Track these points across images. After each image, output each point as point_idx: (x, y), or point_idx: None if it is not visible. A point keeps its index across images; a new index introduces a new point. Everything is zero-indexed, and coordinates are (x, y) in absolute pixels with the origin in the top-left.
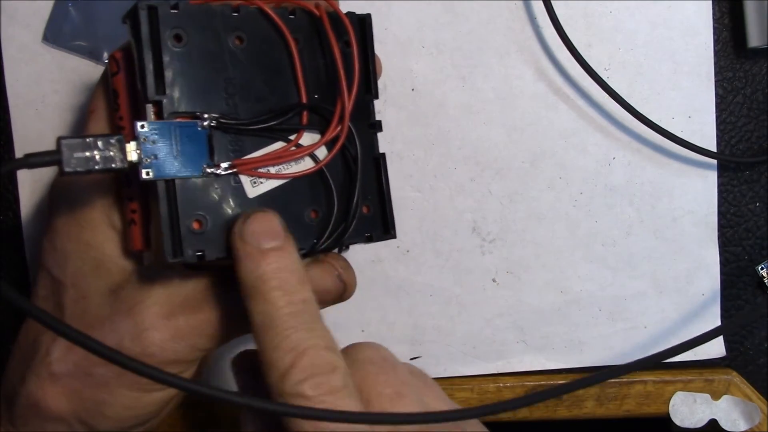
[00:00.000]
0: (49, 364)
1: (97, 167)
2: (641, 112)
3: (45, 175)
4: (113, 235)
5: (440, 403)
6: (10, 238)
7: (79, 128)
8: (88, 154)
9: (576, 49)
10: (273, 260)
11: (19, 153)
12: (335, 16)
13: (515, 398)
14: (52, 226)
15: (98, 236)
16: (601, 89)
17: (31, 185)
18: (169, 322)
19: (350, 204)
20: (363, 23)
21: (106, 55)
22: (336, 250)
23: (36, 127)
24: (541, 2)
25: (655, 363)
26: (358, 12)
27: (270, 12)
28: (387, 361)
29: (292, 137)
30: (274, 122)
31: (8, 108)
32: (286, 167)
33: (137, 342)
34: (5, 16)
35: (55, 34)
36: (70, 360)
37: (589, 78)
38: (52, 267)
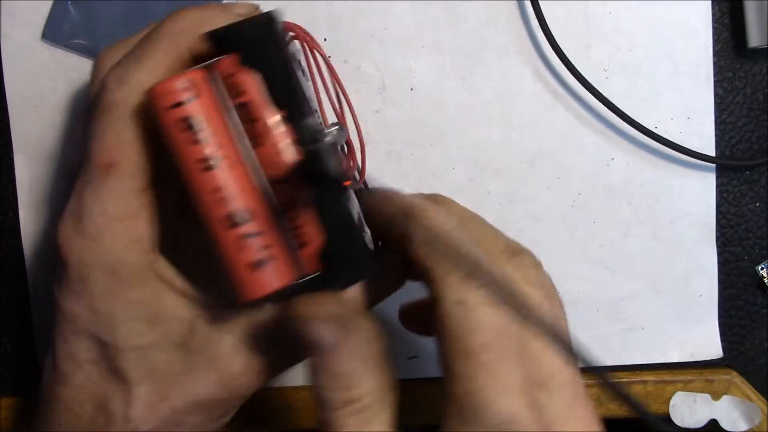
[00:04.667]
0: (136, 428)
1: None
2: (641, 112)
3: (45, 174)
4: (162, 286)
5: None
6: (10, 237)
7: (79, 126)
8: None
9: (567, 58)
10: None
11: (17, 151)
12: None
13: None
14: (85, 290)
15: (147, 292)
16: (598, 91)
17: (29, 185)
18: (250, 364)
19: None
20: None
21: None
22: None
23: (35, 124)
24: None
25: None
26: (355, 11)
27: None
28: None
29: None
30: None
31: (7, 106)
32: None
33: (227, 391)
34: (4, 14)
35: (54, 32)
36: (156, 416)
37: (588, 78)
38: (100, 333)
